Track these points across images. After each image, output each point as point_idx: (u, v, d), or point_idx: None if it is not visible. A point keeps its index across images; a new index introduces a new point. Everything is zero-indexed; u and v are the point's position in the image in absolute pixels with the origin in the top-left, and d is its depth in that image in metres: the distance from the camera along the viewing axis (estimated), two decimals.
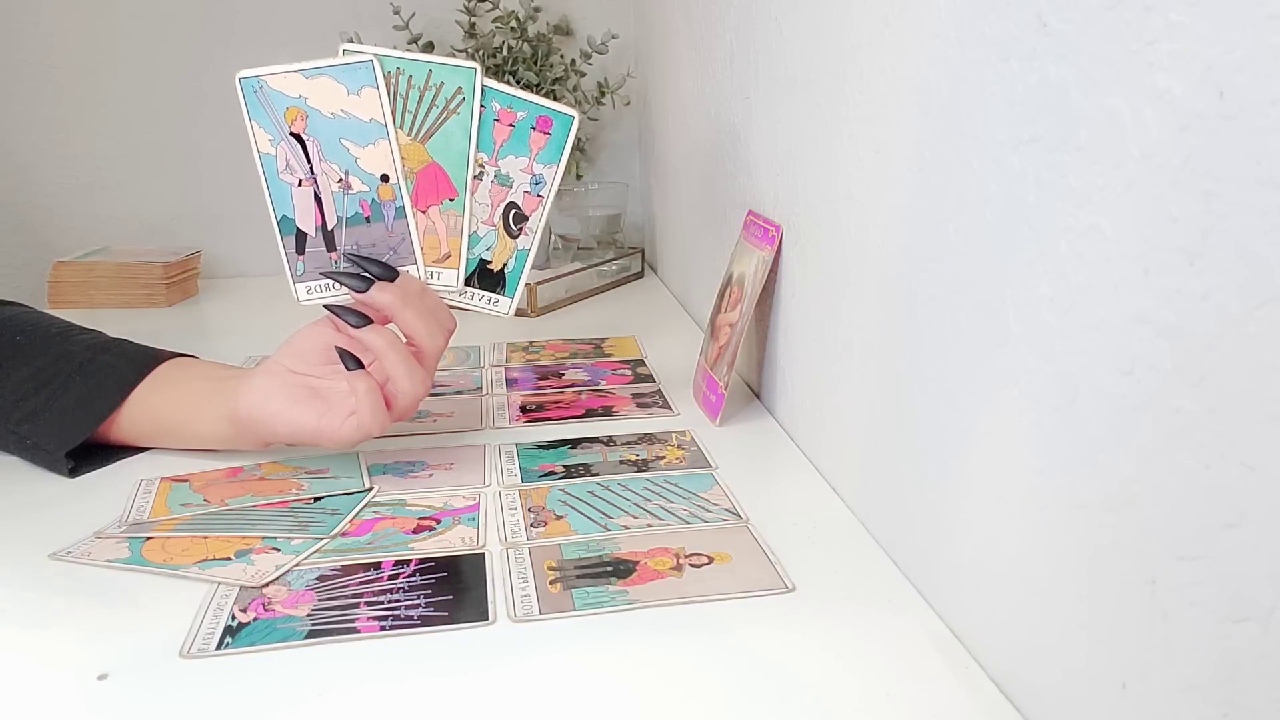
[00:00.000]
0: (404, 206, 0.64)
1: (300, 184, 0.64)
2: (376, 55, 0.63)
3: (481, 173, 0.65)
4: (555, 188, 0.67)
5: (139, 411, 0.67)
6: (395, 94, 0.63)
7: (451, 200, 0.65)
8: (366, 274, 0.62)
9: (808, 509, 0.60)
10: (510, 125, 0.65)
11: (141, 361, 0.68)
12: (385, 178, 0.64)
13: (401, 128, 0.64)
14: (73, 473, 0.66)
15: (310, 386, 0.63)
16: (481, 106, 0.64)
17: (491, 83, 0.64)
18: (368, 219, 0.65)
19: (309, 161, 0.64)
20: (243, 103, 0.64)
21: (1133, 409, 0.32)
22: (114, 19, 1.24)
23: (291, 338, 0.64)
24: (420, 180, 0.64)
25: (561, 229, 1.22)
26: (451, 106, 0.63)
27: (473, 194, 0.66)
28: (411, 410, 0.63)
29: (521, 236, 0.67)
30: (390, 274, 0.63)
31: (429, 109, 0.64)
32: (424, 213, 0.65)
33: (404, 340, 0.62)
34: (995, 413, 0.41)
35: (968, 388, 0.44)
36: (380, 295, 0.62)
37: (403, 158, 0.64)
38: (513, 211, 0.66)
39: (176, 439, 0.68)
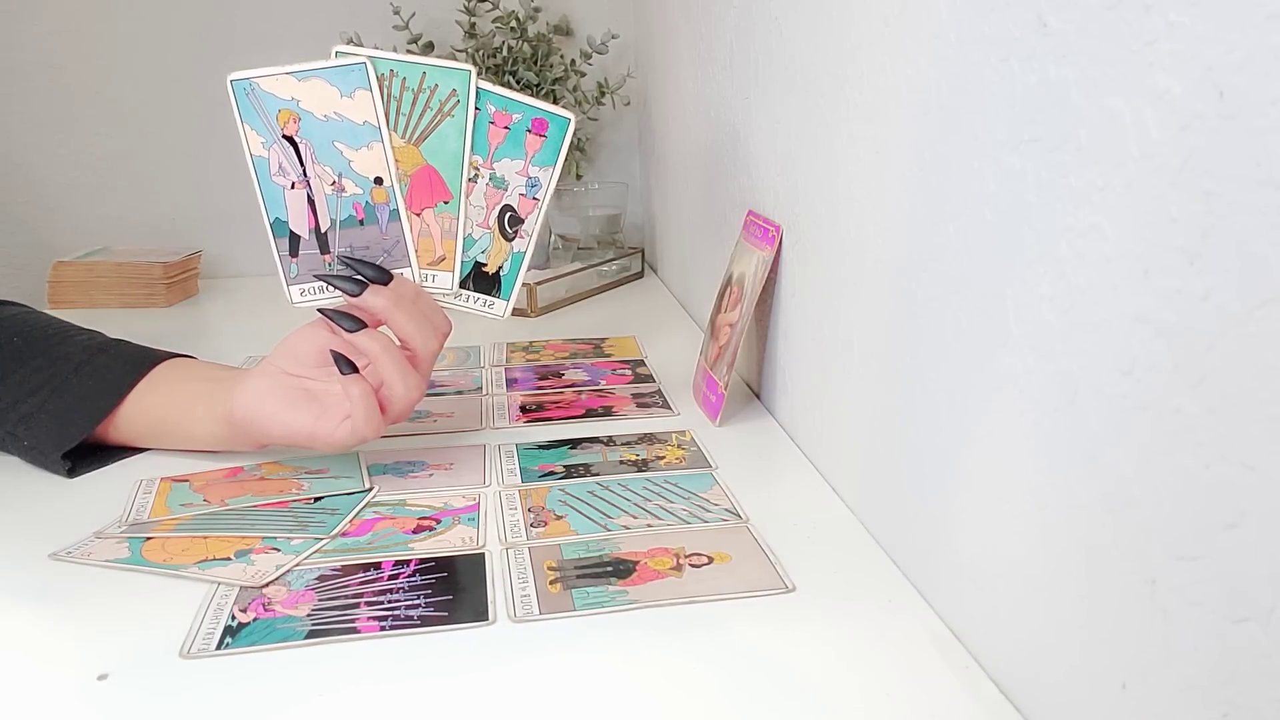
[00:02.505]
0: (398, 209, 0.64)
1: (293, 186, 0.64)
2: (370, 57, 0.62)
3: (476, 175, 0.65)
4: (551, 191, 0.67)
5: (135, 412, 0.67)
6: (389, 96, 0.63)
7: (446, 203, 0.65)
8: (360, 277, 0.62)
9: (808, 509, 0.60)
10: (505, 128, 0.65)
11: (138, 363, 0.68)
12: (379, 180, 0.64)
13: (395, 130, 0.64)
14: (71, 473, 0.66)
15: (305, 389, 0.63)
16: (476, 109, 0.64)
17: (486, 85, 0.64)
18: (361, 221, 0.65)
19: (302, 164, 0.63)
20: (235, 105, 0.64)
21: (1133, 409, 0.32)
22: (114, 19, 1.24)
23: (286, 339, 0.64)
24: (414, 183, 0.64)
25: (561, 229, 1.22)
26: (446, 109, 0.63)
27: (467, 197, 0.65)
28: (406, 414, 0.63)
29: (517, 239, 0.67)
30: (384, 277, 0.62)
31: (423, 111, 0.63)
32: (418, 215, 0.65)
33: (398, 344, 0.62)
34: (995, 413, 0.41)
35: (968, 388, 0.44)
36: (374, 299, 0.61)
37: (396, 160, 0.64)
38: (508, 214, 0.66)
39: (172, 440, 0.68)
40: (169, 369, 0.69)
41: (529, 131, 0.65)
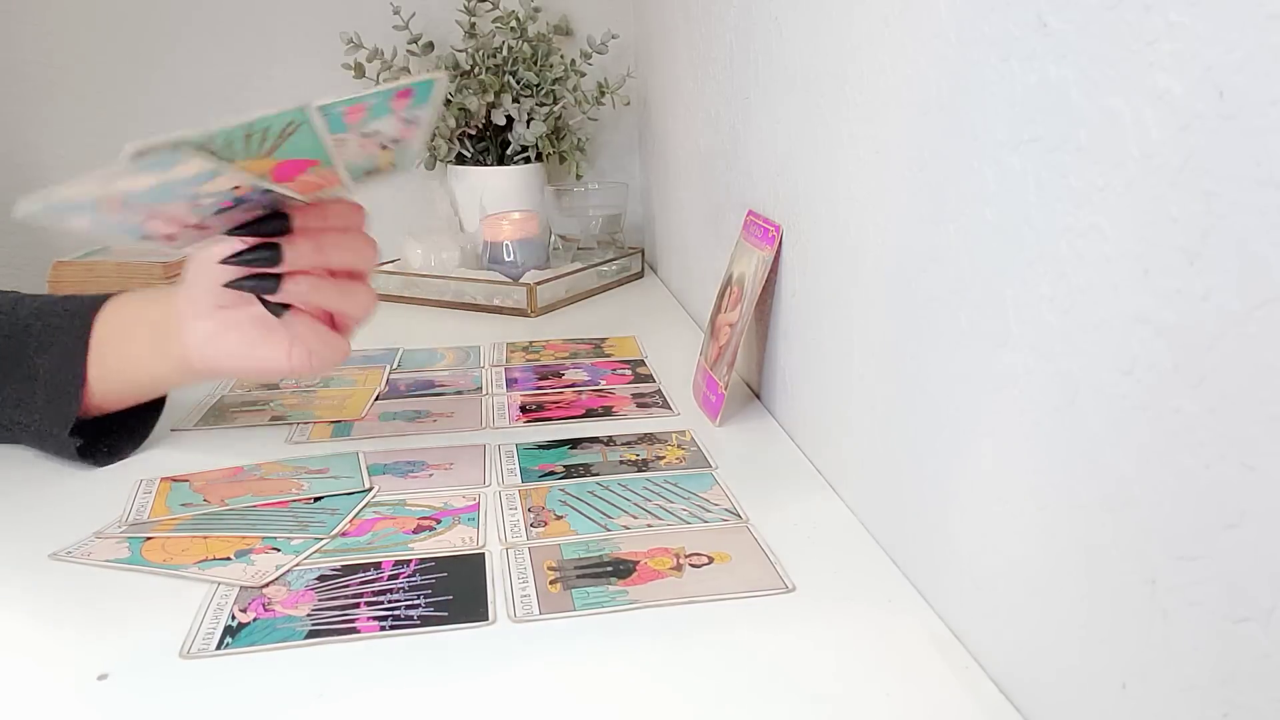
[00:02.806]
0: (267, 188, 0.54)
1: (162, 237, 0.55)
2: (174, 144, 0.46)
3: (344, 142, 0.55)
4: (430, 116, 0.57)
5: (103, 375, 0.64)
6: (219, 157, 0.49)
7: (316, 166, 0.55)
8: (265, 243, 0.56)
9: (808, 509, 0.60)
10: (363, 112, 0.54)
11: (80, 322, 0.64)
12: (237, 187, 0.53)
13: (236, 161, 0.50)
14: (83, 453, 0.65)
15: (253, 318, 0.60)
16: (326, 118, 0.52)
17: (329, 100, 0.51)
18: (233, 205, 0.54)
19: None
20: (52, 220, 0.51)
21: (1133, 409, 0.32)
22: (114, 19, 1.24)
23: (193, 274, 0.60)
24: (276, 170, 0.53)
25: (561, 229, 1.22)
26: (288, 132, 0.51)
27: (339, 149, 0.55)
28: (365, 322, 0.61)
29: (400, 144, 0.59)
30: (283, 223, 0.56)
31: (261, 143, 0.51)
32: (291, 181, 0.55)
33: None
34: (995, 413, 0.41)
35: (968, 388, 0.44)
36: (295, 253, 0.56)
37: (250, 171, 0.52)
38: (389, 140, 0.58)
39: (149, 389, 0.67)
40: (109, 318, 0.65)
41: (394, 99, 0.55)
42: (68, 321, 0.65)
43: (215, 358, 0.61)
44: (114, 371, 0.65)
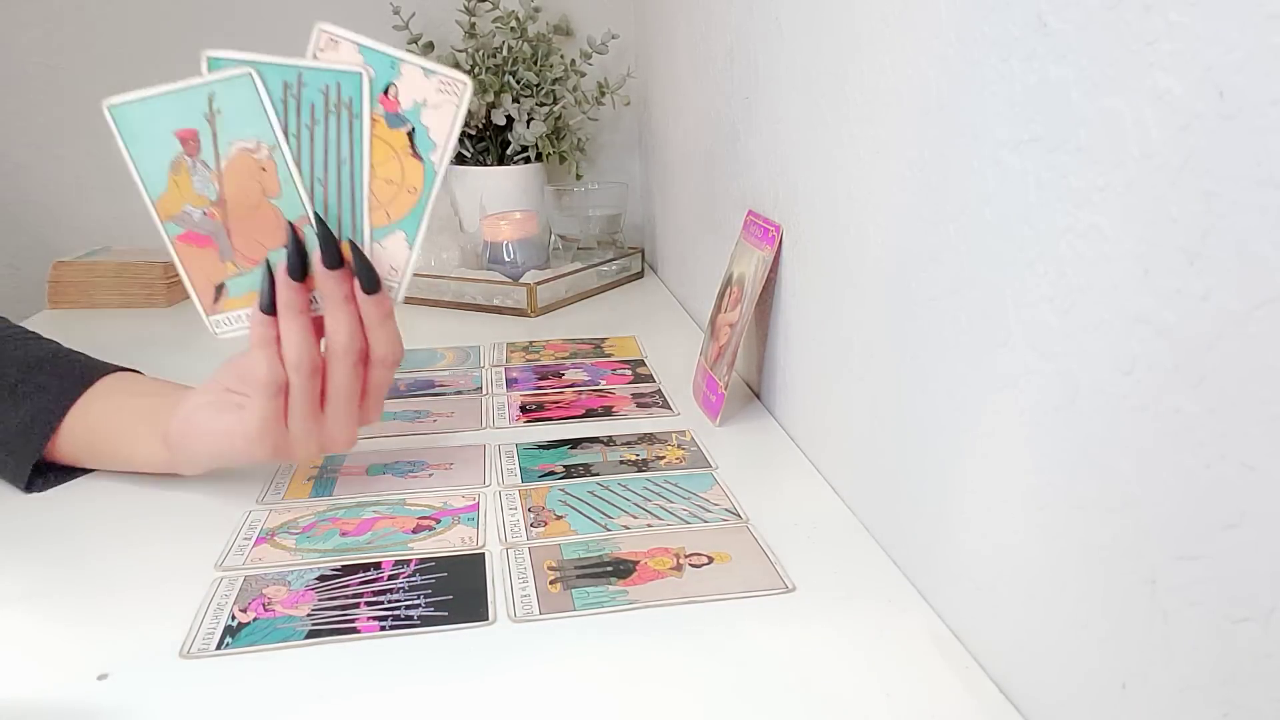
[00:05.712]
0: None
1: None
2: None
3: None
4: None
5: (78, 428, 0.63)
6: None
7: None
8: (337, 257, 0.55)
9: (808, 509, 0.60)
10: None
11: (75, 380, 0.64)
12: None
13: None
14: (30, 488, 0.63)
15: (238, 403, 0.57)
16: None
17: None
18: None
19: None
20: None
21: (1133, 409, 0.32)
22: (114, 18, 1.24)
23: (235, 357, 0.59)
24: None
25: (561, 229, 1.22)
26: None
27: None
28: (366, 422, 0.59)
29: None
30: (374, 283, 0.56)
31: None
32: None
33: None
34: (995, 413, 0.41)
35: (968, 388, 0.44)
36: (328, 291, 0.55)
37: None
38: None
39: (113, 461, 0.64)
40: (111, 384, 0.65)
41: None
42: (55, 381, 0.64)
43: (184, 423, 0.58)
44: (91, 430, 0.63)
